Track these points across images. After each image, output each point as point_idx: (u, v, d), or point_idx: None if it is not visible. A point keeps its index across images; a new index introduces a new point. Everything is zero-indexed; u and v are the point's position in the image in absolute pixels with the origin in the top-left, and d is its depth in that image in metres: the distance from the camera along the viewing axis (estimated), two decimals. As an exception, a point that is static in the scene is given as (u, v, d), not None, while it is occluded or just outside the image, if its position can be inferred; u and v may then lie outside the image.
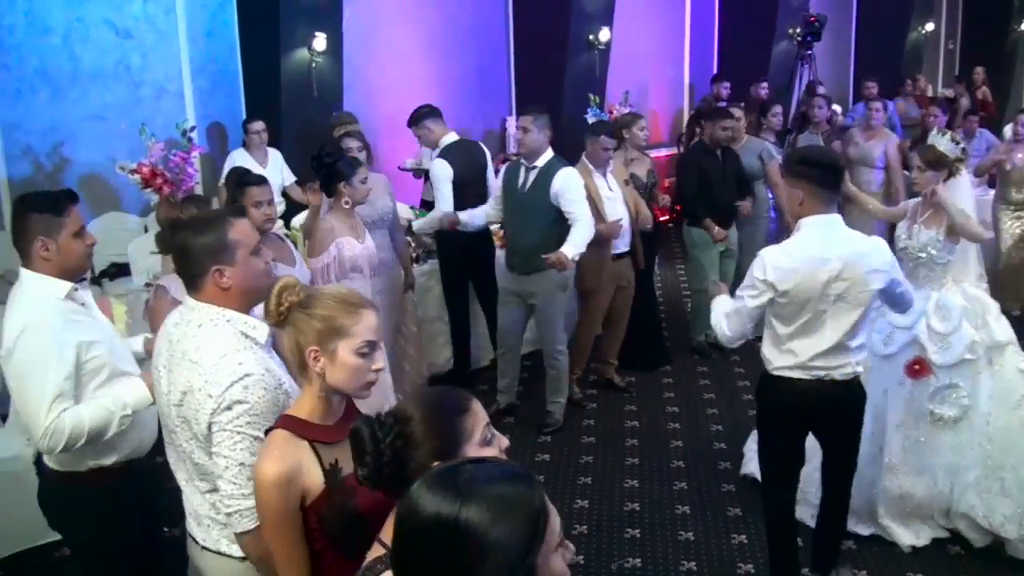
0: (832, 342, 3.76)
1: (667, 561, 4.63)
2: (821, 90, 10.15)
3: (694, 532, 4.87)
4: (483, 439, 2.00)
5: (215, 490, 2.58)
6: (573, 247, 5.57)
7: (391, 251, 5.74)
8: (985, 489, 4.53)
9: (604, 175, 6.24)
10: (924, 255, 4.71)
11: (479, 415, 2.02)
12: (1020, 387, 4.66)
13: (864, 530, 4.68)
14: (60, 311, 3.06)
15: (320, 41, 8.43)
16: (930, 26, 16.06)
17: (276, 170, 7.63)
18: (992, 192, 8.55)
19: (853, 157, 8.20)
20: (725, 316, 3.97)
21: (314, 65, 8.53)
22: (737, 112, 7.54)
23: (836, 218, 3.81)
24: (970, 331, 4.64)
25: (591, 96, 9.59)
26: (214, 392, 2.47)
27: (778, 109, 8.47)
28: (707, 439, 5.96)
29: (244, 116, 8.39)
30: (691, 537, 4.83)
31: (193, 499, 2.72)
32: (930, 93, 13.76)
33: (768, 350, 3.94)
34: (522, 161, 5.87)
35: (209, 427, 2.50)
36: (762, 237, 7.54)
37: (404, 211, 7.23)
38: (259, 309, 2.58)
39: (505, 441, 2.07)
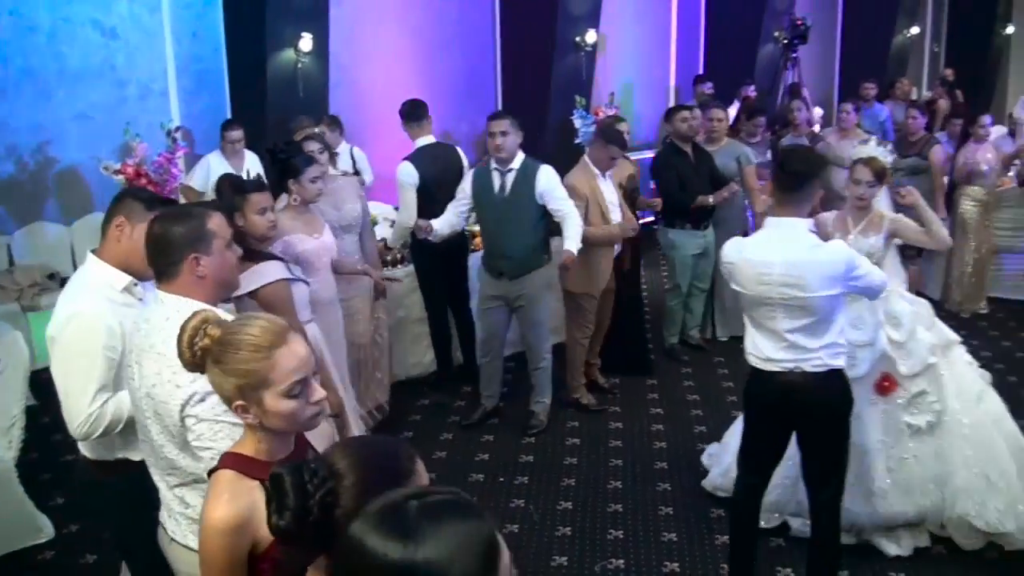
0: (787, 342, 3.75)
1: (650, 562, 4.65)
2: (804, 92, 10.17)
3: (677, 533, 4.89)
4: None
5: (184, 484, 2.62)
6: (574, 243, 5.58)
7: (360, 256, 5.63)
8: (974, 489, 4.52)
9: (606, 179, 6.22)
10: None
11: (422, 478, 1.80)
12: (975, 382, 4.73)
13: (845, 540, 4.47)
14: (113, 301, 3.11)
15: (306, 41, 8.44)
16: (915, 29, 16.12)
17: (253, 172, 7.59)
18: None
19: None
20: None
21: (300, 65, 8.53)
22: (719, 112, 7.50)
23: (793, 222, 3.76)
24: (924, 334, 4.64)
25: (577, 98, 9.62)
26: (182, 382, 2.47)
27: (761, 120, 8.34)
28: (691, 441, 5.97)
29: (229, 116, 8.38)
30: (674, 538, 4.85)
31: (165, 494, 2.73)
32: (914, 96, 13.81)
33: (745, 338, 3.98)
34: (494, 166, 5.75)
35: (183, 420, 2.50)
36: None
37: (389, 212, 7.22)
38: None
39: None
